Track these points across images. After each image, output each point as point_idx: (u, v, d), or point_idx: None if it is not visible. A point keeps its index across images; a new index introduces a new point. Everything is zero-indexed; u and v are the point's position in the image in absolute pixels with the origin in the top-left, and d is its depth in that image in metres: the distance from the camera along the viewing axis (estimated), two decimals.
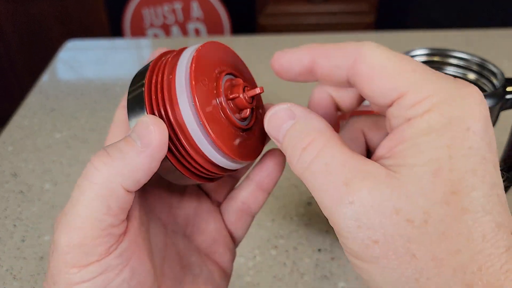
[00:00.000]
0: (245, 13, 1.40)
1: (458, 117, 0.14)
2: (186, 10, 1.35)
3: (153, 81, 0.18)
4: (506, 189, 0.35)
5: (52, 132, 0.53)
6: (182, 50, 0.18)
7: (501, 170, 0.35)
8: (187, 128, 0.17)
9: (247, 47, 0.74)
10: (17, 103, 0.64)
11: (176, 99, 0.17)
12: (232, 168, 0.19)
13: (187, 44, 0.76)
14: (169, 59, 0.18)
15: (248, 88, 0.18)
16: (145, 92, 0.17)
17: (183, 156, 0.17)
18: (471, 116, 0.14)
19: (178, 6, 1.34)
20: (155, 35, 1.38)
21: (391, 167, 0.14)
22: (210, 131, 0.17)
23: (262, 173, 0.22)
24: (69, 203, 0.16)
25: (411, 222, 0.13)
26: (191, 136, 0.17)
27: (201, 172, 0.18)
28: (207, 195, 0.24)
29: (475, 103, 0.14)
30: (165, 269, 0.20)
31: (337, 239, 0.39)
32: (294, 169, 0.16)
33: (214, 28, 1.38)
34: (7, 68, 1.46)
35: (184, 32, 1.38)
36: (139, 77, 0.18)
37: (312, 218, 0.40)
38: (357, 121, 0.20)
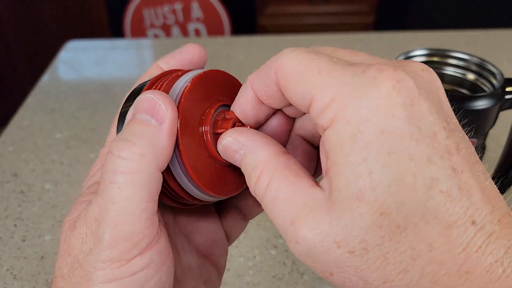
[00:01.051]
0: (245, 14, 1.40)
1: (366, 121, 0.13)
2: (186, 11, 1.35)
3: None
4: (506, 188, 0.35)
5: (53, 132, 0.53)
6: (181, 74, 0.18)
7: (499, 166, 0.35)
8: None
9: (247, 48, 0.74)
10: (17, 103, 0.64)
11: None
12: (208, 201, 0.19)
13: (187, 44, 0.76)
14: (165, 82, 0.18)
15: (239, 124, 0.18)
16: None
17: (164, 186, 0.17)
18: (381, 114, 0.12)
19: (178, 6, 1.34)
20: (156, 36, 1.39)
21: (327, 191, 0.14)
22: (185, 161, 0.16)
23: None
24: (102, 198, 0.16)
25: (353, 253, 0.13)
26: (170, 170, 0.17)
27: (177, 198, 0.18)
28: None
29: (385, 94, 0.13)
30: None
31: None
32: (255, 196, 0.16)
33: (214, 28, 1.38)
34: (8, 68, 1.47)
35: (184, 32, 1.38)
36: (135, 94, 0.18)
37: None
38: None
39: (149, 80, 0.19)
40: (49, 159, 0.49)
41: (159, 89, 0.18)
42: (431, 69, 0.14)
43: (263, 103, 0.17)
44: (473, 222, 0.12)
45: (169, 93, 0.17)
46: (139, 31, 1.37)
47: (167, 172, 0.17)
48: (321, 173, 0.19)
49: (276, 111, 0.18)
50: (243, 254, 0.37)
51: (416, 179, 0.12)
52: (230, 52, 0.72)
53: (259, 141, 0.16)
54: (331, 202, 0.13)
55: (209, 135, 0.17)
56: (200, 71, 0.18)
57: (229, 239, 0.23)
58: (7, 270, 0.36)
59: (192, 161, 0.17)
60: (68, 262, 0.16)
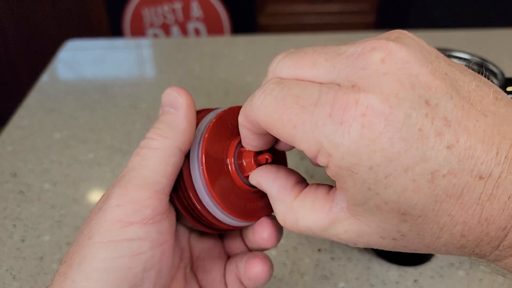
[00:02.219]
0: (245, 13, 1.40)
1: (354, 165, 0.14)
2: (186, 10, 1.35)
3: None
4: None
5: (52, 132, 0.53)
6: (209, 111, 0.20)
7: None
8: (192, 186, 0.19)
9: (247, 47, 0.74)
10: (16, 103, 0.63)
11: (188, 161, 0.19)
12: (236, 225, 0.20)
13: (187, 44, 0.76)
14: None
15: (263, 157, 0.20)
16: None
17: (192, 209, 0.19)
18: (364, 156, 0.14)
19: (178, 6, 1.34)
20: (155, 35, 1.38)
21: (348, 208, 0.16)
22: (212, 191, 0.19)
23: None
24: (127, 169, 0.18)
25: (395, 240, 0.16)
26: (197, 196, 0.19)
27: (209, 223, 0.20)
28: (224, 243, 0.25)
29: (358, 137, 0.14)
30: (172, 284, 0.21)
31: None
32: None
33: (214, 28, 1.38)
34: (7, 68, 1.46)
35: (184, 32, 1.38)
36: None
37: None
38: None
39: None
40: (48, 159, 0.48)
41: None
42: (392, 47, 0.14)
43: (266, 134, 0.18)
44: (480, 177, 0.13)
45: (197, 129, 0.20)
46: (138, 31, 1.37)
47: (201, 207, 0.19)
48: None
49: None
50: None
51: (417, 183, 0.14)
52: (230, 51, 0.72)
53: (272, 181, 0.19)
54: (354, 212, 0.16)
55: (233, 166, 0.19)
56: (216, 113, 0.20)
57: None
58: (6, 270, 0.36)
59: (217, 186, 0.19)
60: (81, 229, 0.18)
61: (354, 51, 0.15)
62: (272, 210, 0.21)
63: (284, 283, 0.35)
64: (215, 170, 0.19)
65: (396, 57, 0.14)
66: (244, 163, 0.20)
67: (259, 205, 0.20)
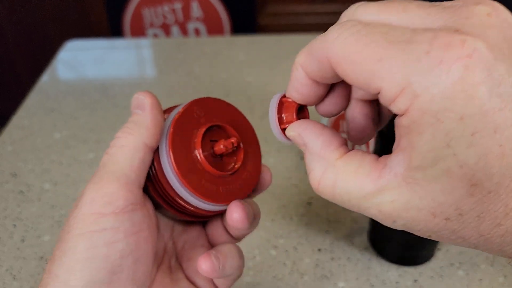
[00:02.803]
0: (245, 13, 1.40)
1: (444, 110, 0.12)
2: (186, 10, 1.35)
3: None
4: None
5: (52, 132, 0.53)
6: (173, 109, 0.22)
7: None
8: (165, 177, 0.20)
9: (247, 47, 0.74)
10: (17, 103, 0.64)
11: (158, 154, 0.20)
12: (213, 210, 0.21)
13: (187, 44, 0.76)
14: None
15: (229, 142, 0.21)
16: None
17: (166, 197, 0.21)
18: (459, 101, 0.12)
19: (178, 6, 1.34)
20: (155, 35, 1.38)
21: (405, 173, 0.14)
22: (183, 179, 0.20)
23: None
24: (99, 167, 0.20)
25: (448, 220, 0.14)
26: (169, 184, 0.20)
27: (184, 209, 0.21)
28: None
29: (458, 78, 0.12)
30: (157, 278, 0.22)
31: (337, 238, 0.39)
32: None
33: (214, 28, 1.38)
34: (7, 68, 1.46)
35: (184, 32, 1.38)
36: None
37: (312, 218, 0.40)
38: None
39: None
40: (48, 159, 0.48)
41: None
42: (498, 6, 0.14)
43: (317, 82, 0.17)
44: None
45: (165, 124, 0.21)
46: (138, 31, 1.37)
47: (175, 195, 0.20)
48: (382, 123, 0.20)
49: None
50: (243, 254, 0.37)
51: (504, 148, 0.13)
52: (230, 51, 0.72)
53: (316, 135, 0.17)
54: (413, 180, 0.14)
55: (200, 152, 0.20)
56: (180, 107, 0.21)
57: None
58: (6, 270, 0.36)
59: (186, 173, 0.20)
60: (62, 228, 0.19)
61: (454, 4, 0.14)
62: (247, 193, 0.22)
63: (284, 283, 0.35)
64: (183, 158, 0.20)
65: (502, 15, 0.13)
66: (284, 117, 0.19)
67: (233, 188, 0.21)
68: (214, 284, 0.23)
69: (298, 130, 0.18)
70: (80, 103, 0.59)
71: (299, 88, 0.17)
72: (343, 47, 0.14)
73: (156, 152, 0.20)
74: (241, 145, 0.22)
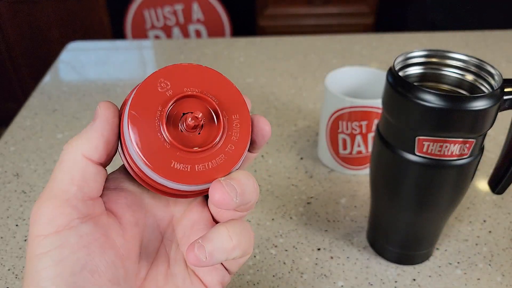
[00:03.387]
0: (245, 15, 1.40)
1: None
2: (187, 12, 1.35)
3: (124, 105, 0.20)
4: (505, 188, 0.35)
5: (54, 133, 0.54)
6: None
7: (497, 167, 0.35)
8: (134, 162, 0.19)
9: (247, 49, 0.74)
10: (19, 104, 0.64)
11: (123, 133, 0.19)
12: (196, 190, 0.20)
13: (188, 46, 0.76)
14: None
15: (196, 113, 0.19)
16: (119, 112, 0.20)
17: (146, 182, 0.20)
18: None
19: (179, 7, 1.34)
20: (156, 37, 1.39)
21: None
22: (149, 164, 0.18)
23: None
24: (46, 185, 0.19)
25: None
26: (133, 162, 0.19)
27: (170, 192, 0.20)
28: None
29: None
30: (151, 273, 0.21)
31: (336, 238, 0.39)
32: None
33: (214, 29, 1.38)
34: (10, 69, 1.47)
35: (185, 33, 1.38)
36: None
37: (311, 218, 0.41)
38: None
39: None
40: (50, 160, 0.49)
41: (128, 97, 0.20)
42: None
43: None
44: None
45: (124, 112, 0.19)
46: (140, 32, 1.38)
47: (144, 175, 0.19)
48: None
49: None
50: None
51: None
52: (231, 53, 0.73)
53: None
54: None
55: (166, 132, 0.19)
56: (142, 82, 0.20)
57: (229, 270, 0.23)
58: (9, 269, 0.37)
59: (152, 162, 0.18)
60: None
61: None
62: (231, 167, 0.19)
63: (284, 282, 0.35)
64: (147, 140, 0.18)
65: None
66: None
67: (214, 164, 0.19)
68: (221, 271, 0.22)
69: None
70: (82, 104, 0.60)
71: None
72: None
73: (123, 136, 0.19)
74: (220, 114, 0.19)
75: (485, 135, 0.31)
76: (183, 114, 0.19)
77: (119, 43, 0.82)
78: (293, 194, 0.44)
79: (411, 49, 0.35)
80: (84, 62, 0.71)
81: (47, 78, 0.67)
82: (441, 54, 0.33)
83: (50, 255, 0.18)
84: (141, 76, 0.68)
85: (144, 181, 0.20)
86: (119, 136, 0.20)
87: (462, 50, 0.72)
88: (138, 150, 0.18)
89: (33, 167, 0.48)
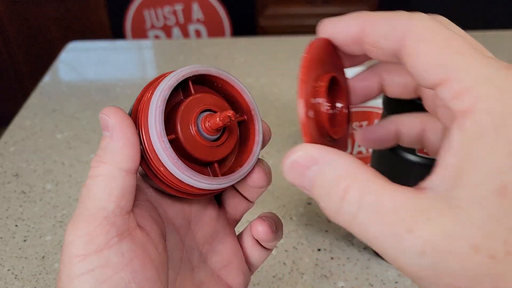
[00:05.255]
0: (245, 15, 1.40)
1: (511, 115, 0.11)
2: (187, 12, 1.35)
3: (142, 99, 0.19)
4: None
5: (54, 133, 0.53)
6: (165, 75, 0.20)
7: None
8: (152, 144, 0.18)
9: (247, 49, 0.74)
10: (19, 104, 0.64)
11: (148, 117, 0.18)
12: (204, 187, 0.20)
13: (187, 46, 0.76)
14: (161, 79, 0.20)
15: (219, 114, 0.19)
16: (133, 107, 0.19)
17: (154, 169, 0.19)
18: None
19: (179, 7, 1.34)
20: (156, 36, 1.39)
21: (448, 192, 0.12)
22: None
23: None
24: (78, 203, 0.18)
25: (494, 258, 0.11)
26: (157, 157, 0.19)
27: (172, 184, 0.20)
28: (230, 218, 0.24)
29: None
30: (177, 284, 0.21)
31: (336, 238, 0.39)
32: (337, 220, 0.14)
33: (214, 29, 1.38)
34: (9, 69, 1.47)
35: (185, 33, 1.38)
36: (136, 100, 0.20)
37: (312, 218, 0.41)
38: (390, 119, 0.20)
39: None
40: (50, 160, 0.49)
41: (151, 90, 0.19)
42: None
43: (359, 44, 0.16)
44: None
45: (150, 102, 0.19)
46: (140, 32, 1.38)
47: (163, 169, 0.19)
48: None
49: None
50: None
51: None
52: (231, 53, 0.73)
53: (338, 153, 0.14)
54: (455, 201, 0.12)
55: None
56: (187, 70, 0.19)
57: (250, 263, 0.23)
58: (8, 270, 0.37)
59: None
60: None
61: None
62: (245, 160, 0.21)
63: (284, 283, 0.35)
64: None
65: None
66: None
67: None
68: (246, 273, 0.22)
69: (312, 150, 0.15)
70: (82, 104, 0.59)
71: (340, 29, 0.16)
72: (432, 26, 0.13)
73: (144, 134, 0.19)
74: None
75: None
76: (202, 112, 0.20)
77: (119, 43, 0.82)
78: (294, 194, 0.43)
79: None
80: (84, 62, 0.71)
81: (47, 78, 0.66)
82: None
83: (93, 275, 0.17)
84: (141, 76, 0.68)
85: (167, 183, 0.19)
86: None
87: None
88: (162, 137, 0.18)
89: (33, 167, 0.48)
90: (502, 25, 0.86)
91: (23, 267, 0.37)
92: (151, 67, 0.72)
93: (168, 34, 1.39)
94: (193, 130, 0.19)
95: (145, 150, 0.19)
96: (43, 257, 0.38)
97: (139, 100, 0.19)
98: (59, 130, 0.54)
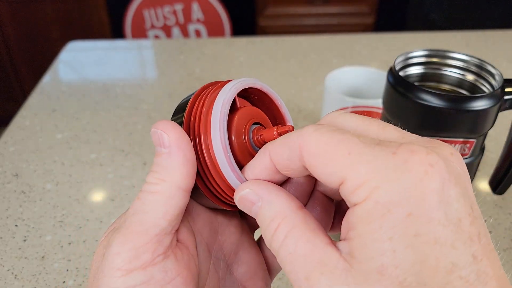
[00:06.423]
0: (245, 15, 1.40)
1: (395, 203, 0.13)
2: (187, 12, 1.35)
3: (193, 111, 0.19)
4: (506, 188, 0.35)
5: (54, 133, 0.53)
6: (223, 85, 0.20)
7: (498, 166, 0.35)
8: (215, 157, 0.18)
9: (247, 48, 0.74)
10: (19, 104, 0.64)
11: (210, 129, 0.18)
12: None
13: (187, 45, 0.76)
14: (211, 91, 0.20)
15: (276, 128, 0.20)
16: (184, 120, 0.19)
17: (210, 182, 0.19)
18: (412, 199, 0.13)
19: (178, 7, 1.34)
20: (156, 36, 1.39)
21: (346, 255, 0.14)
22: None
23: None
24: (129, 213, 0.18)
25: None
26: (217, 163, 0.19)
27: (226, 198, 0.20)
28: (250, 226, 0.24)
29: (418, 179, 0.13)
30: None
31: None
32: (270, 248, 0.17)
33: (214, 29, 1.38)
34: (9, 69, 1.47)
35: (185, 33, 1.38)
36: (182, 107, 0.20)
37: None
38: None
39: (192, 93, 0.21)
40: (50, 160, 0.49)
41: (203, 102, 0.19)
42: (458, 154, 0.15)
43: (279, 172, 0.18)
44: None
45: (212, 111, 0.19)
46: (139, 32, 1.38)
47: (219, 177, 0.19)
48: (335, 229, 0.20)
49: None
50: None
51: (439, 262, 0.13)
52: (231, 53, 0.73)
53: (277, 194, 0.17)
54: (349, 267, 0.14)
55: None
56: (241, 83, 0.20)
57: (271, 272, 0.23)
58: (8, 270, 0.37)
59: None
60: (90, 271, 0.18)
61: (427, 138, 0.15)
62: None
63: (284, 283, 0.35)
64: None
65: (459, 159, 0.15)
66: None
67: None
68: (267, 278, 0.22)
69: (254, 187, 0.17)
70: (82, 104, 0.59)
71: (259, 172, 0.18)
72: (317, 139, 0.15)
73: (204, 150, 0.18)
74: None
75: (485, 135, 0.31)
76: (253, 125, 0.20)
77: (118, 43, 0.82)
78: None
79: (412, 49, 0.35)
80: (83, 62, 0.71)
81: (47, 78, 0.66)
82: (442, 54, 0.33)
83: None
84: (141, 76, 0.68)
85: (222, 197, 0.20)
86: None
87: (462, 50, 0.72)
88: (226, 145, 0.18)
89: (33, 167, 0.48)
90: (502, 25, 0.86)
91: (23, 267, 0.37)
92: (151, 67, 0.72)
93: (168, 34, 1.39)
94: (246, 141, 0.20)
95: (203, 166, 0.19)
96: (43, 257, 0.38)
97: (189, 113, 0.19)
98: (59, 130, 0.54)
